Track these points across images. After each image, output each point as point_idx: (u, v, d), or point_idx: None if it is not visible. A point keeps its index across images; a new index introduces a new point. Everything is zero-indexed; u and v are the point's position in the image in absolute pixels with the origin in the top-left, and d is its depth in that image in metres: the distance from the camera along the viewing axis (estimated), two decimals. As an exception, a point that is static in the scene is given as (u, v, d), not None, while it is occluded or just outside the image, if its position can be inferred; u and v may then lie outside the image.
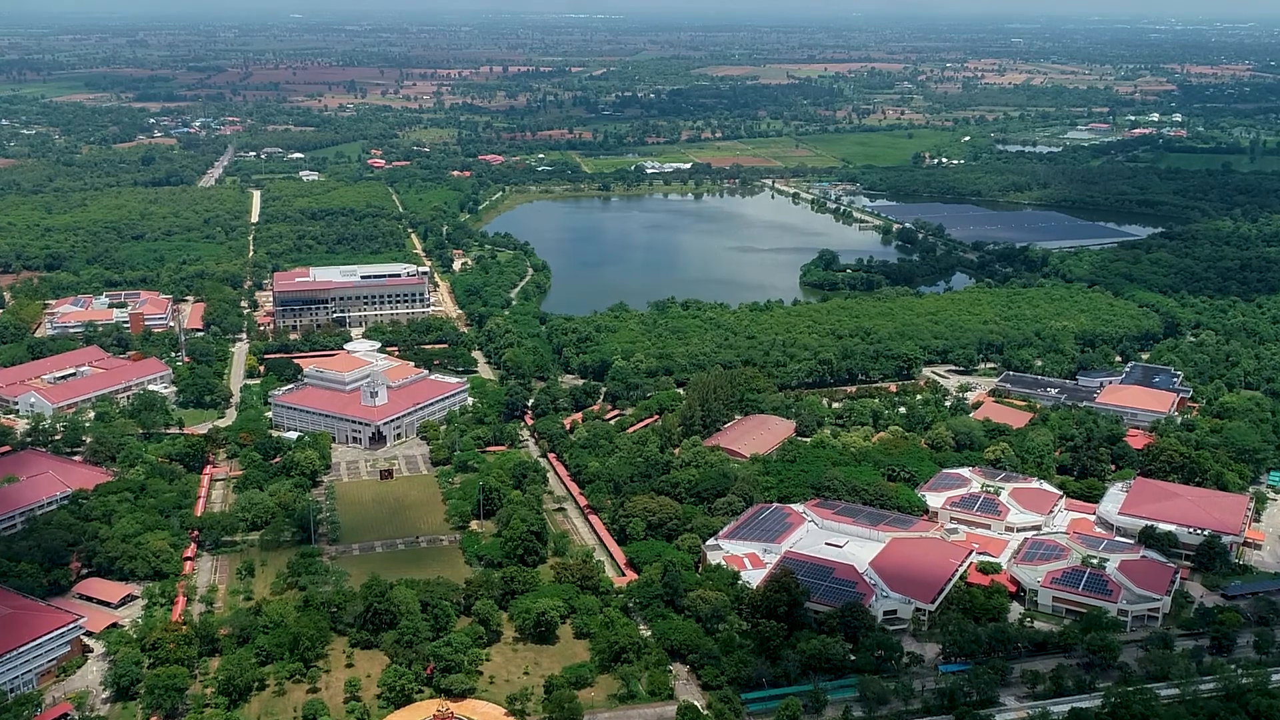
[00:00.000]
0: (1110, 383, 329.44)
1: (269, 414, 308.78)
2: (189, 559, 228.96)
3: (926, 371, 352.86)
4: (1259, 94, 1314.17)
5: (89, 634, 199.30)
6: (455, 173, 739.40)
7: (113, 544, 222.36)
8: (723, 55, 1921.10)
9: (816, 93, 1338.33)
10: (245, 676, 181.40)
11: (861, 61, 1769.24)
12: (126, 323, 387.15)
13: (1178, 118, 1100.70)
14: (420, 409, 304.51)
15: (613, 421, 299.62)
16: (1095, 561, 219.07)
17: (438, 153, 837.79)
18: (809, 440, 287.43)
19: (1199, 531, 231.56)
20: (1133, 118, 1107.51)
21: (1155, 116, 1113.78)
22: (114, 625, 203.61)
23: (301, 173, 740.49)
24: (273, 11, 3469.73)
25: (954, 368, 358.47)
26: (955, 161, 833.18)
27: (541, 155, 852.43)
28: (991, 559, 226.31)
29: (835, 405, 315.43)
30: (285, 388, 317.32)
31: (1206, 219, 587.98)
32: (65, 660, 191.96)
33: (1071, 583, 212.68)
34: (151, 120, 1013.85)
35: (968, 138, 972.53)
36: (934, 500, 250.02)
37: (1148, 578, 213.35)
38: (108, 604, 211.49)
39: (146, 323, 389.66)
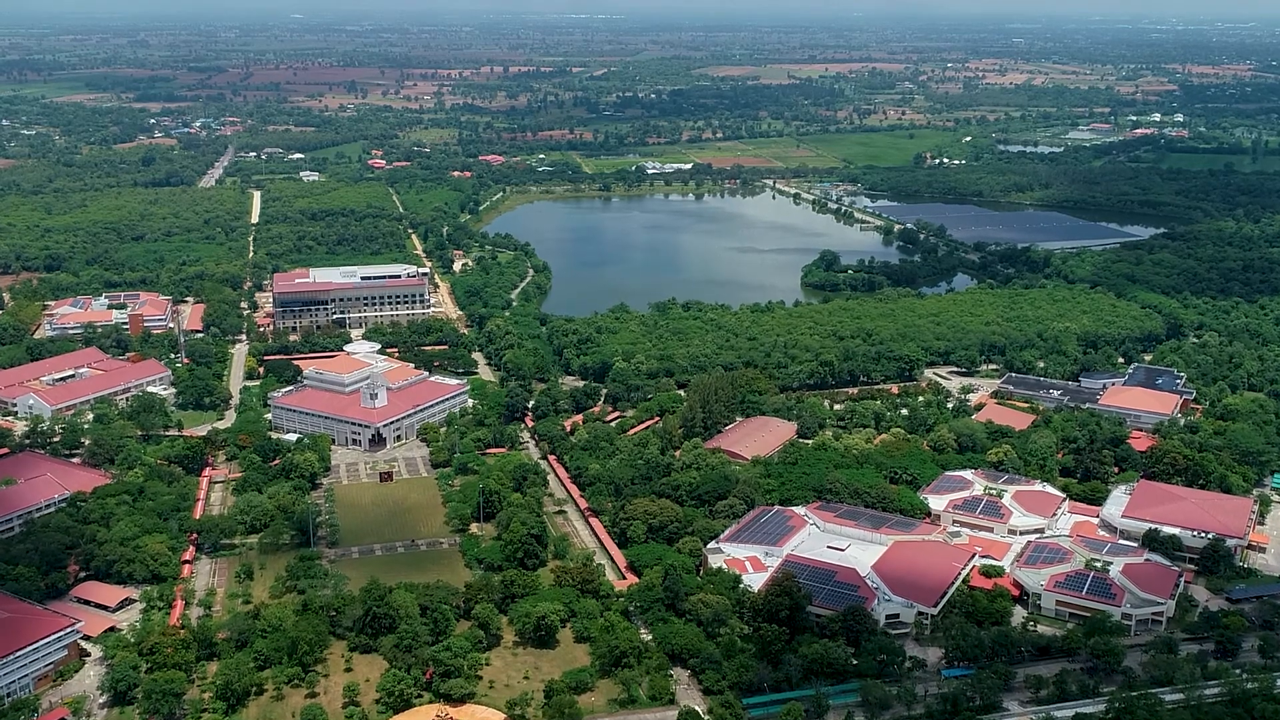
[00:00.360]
0: (1113, 384, 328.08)
1: (268, 416, 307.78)
2: (187, 562, 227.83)
3: (928, 373, 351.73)
4: (1260, 94, 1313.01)
5: (86, 638, 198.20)
6: (456, 173, 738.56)
7: (111, 547, 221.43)
8: (723, 55, 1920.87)
9: (817, 93, 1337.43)
10: (243, 681, 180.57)
11: (862, 62, 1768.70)
12: (126, 324, 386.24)
13: (1179, 118, 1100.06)
14: (420, 411, 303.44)
15: (613, 423, 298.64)
16: (1099, 565, 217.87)
17: (438, 153, 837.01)
18: (810, 442, 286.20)
19: (1203, 535, 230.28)
20: (1134, 118, 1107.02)
21: (1157, 117, 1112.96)
22: (111, 629, 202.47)
23: (302, 173, 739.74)
24: (273, 12, 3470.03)
25: (956, 369, 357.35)
26: (957, 162, 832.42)
27: (542, 155, 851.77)
28: (994, 562, 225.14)
29: (837, 407, 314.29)
30: (285, 389, 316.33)
31: (1209, 219, 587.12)
32: (62, 665, 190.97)
33: (1075, 586, 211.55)
34: (152, 120, 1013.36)
35: (969, 138, 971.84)
36: (936, 503, 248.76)
37: (1152, 581, 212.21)
38: (105, 608, 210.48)
39: (146, 324, 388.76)
